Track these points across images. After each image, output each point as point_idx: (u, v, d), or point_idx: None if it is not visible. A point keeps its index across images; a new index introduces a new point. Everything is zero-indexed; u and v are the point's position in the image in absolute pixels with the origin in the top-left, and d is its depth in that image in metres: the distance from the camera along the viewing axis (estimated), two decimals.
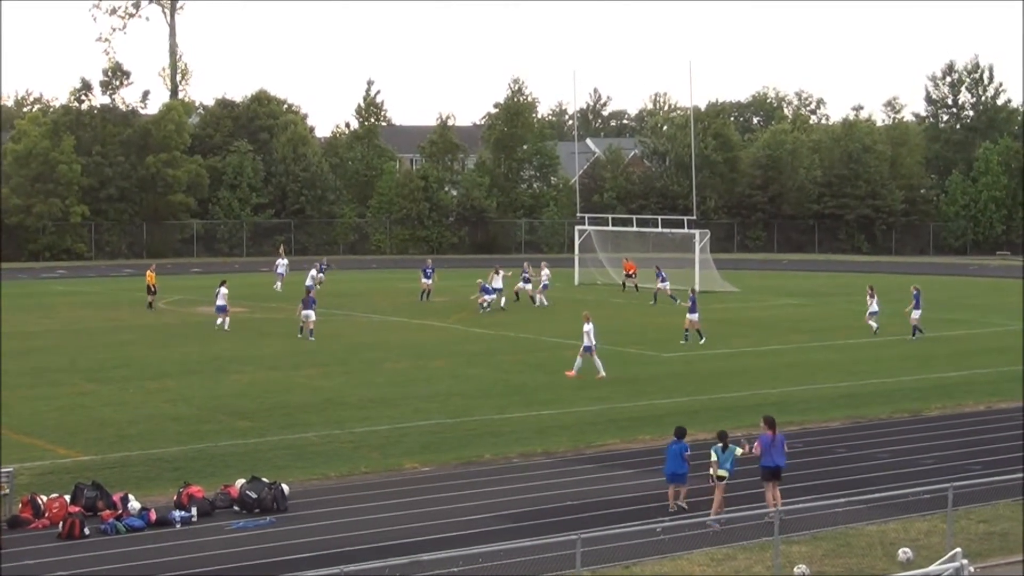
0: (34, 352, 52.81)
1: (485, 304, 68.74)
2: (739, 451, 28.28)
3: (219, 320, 60.95)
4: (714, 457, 28.10)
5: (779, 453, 28.34)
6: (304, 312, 57.99)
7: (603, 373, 46.66)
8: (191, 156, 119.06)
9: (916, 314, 59.39)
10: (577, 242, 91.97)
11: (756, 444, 28.55)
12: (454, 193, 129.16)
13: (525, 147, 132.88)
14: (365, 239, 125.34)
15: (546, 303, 71.98)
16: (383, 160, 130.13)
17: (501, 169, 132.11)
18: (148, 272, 71.22)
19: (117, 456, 33.43)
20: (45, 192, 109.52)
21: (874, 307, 61.48)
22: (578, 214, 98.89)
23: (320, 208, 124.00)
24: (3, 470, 28.43)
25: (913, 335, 58.87)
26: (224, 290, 61.49)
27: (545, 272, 75.19)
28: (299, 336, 57.58)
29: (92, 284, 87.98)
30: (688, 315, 56.37)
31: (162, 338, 57.81)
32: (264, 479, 29.16)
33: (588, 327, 47.02)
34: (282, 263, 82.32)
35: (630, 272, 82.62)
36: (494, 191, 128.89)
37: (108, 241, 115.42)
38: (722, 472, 27.92)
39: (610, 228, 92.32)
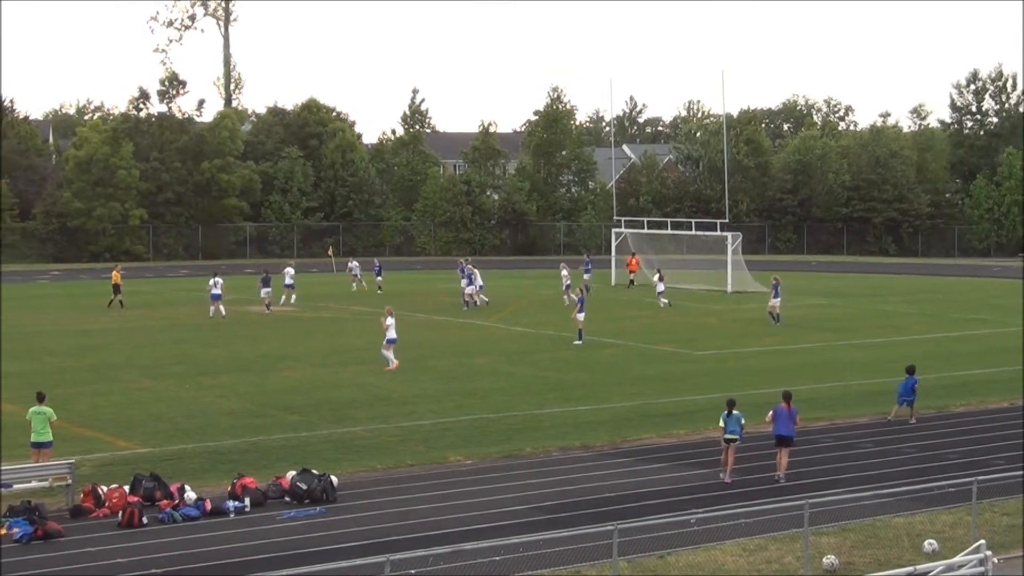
0: (93, 349, 53.13)
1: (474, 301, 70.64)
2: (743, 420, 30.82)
3: (212, 308, 65.05)
4: (721, 423, 30.58)
5: (789, 424, 30.69)
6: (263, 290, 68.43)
7: (394, 364, 47.56)
8: (244, 162, 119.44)
9: (775, 302, 62.69)
10: (614, 244, 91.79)
11: (770, 415, 30.98)
12: (496, 197, 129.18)
13: (564, 153, 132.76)
14: (410, 241, 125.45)
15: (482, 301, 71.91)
16: (427, 165, 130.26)
17: (541, 174, 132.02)
18: (114, 272, 71.42)
19: (174, 448, 33.60)
20: (105, 196, 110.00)
21: (660, 287, 71.11)
22: (615, 217, 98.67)
23: (367, 211, 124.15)
24: (65, 461, 28.64)
25: (776, 321, 62.25)
26: (219, 279, 66.14)
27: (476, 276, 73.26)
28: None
29: (150, 284, 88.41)
30: (576, 314, 55.85)
31: (215, 336, 58.06)
32: (314, 471, 29.23)
33: (390, 321, 48.22)
34: (354, 264, 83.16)
35: (633, 270, 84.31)
36: (534, 195, 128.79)
37: (165, 243, 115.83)
38: (730, 436, 30.30)
39: (645, 231, 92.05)
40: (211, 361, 49.75)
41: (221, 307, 65.18)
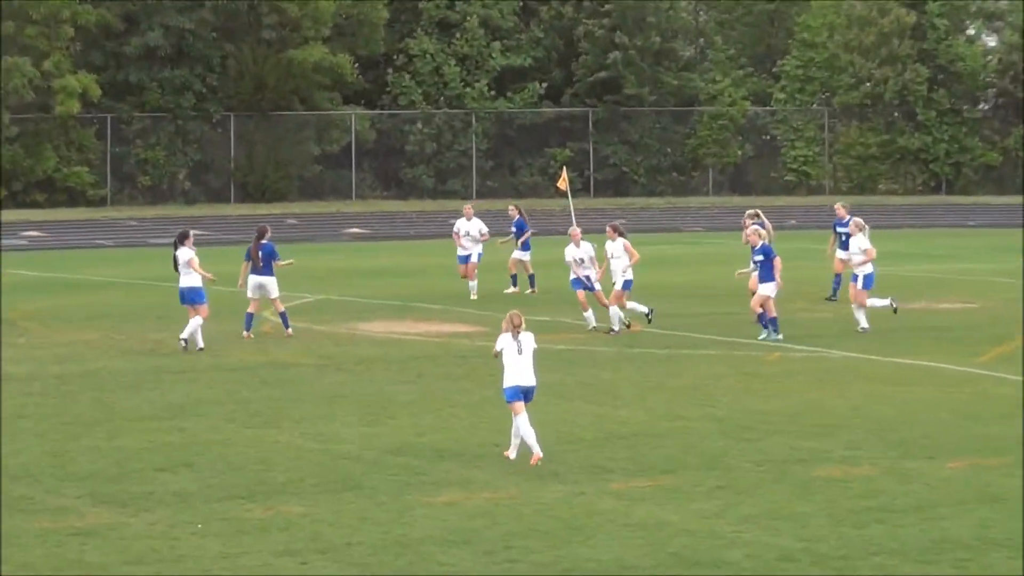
0: None
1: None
2: None
3: (190, 324, 67.50)
4: None
5: None
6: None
7: (532, 456, 47.85)
8: None
9: None
10: None
11: None
12: (991, 44, 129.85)
13: None
14: (770, 158, 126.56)
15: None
16: None
17: None
18: None
19: None
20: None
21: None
22: None
23: (657, 79, 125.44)
24: None
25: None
26: (188, 253, 67.23)
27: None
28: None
29: (108, 262, 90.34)
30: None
31: (265, 394, 59.15)
32: None
33: (504, 344, 48.63)
34: (467, 226, 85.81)
35: None
36: None
37: (147, 160, 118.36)
38: None
39: None
40: (259, 462, 50.07)
41: (197, 322, 67.41)
